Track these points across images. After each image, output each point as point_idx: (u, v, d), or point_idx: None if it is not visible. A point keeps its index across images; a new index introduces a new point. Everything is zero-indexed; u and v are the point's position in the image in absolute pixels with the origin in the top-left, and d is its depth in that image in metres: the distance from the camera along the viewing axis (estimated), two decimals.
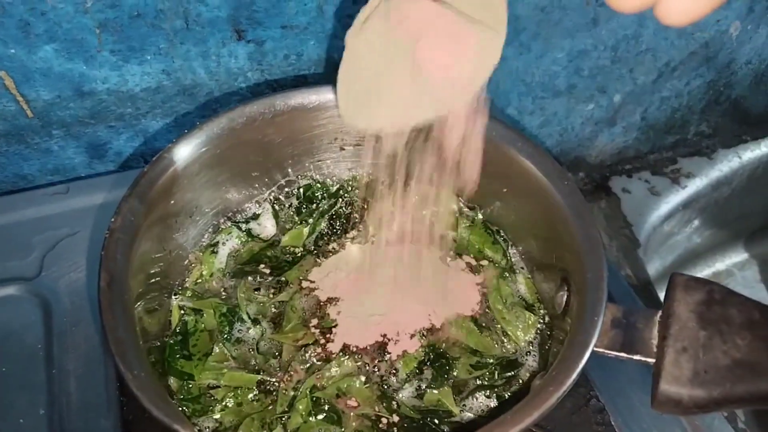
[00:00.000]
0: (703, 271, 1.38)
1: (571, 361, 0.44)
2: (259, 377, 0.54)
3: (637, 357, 0.46)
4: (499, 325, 0.59)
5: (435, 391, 0.55)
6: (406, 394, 0.55)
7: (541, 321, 0.59)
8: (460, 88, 0.46)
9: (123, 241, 0.48)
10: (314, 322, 0.59)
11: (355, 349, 0.57)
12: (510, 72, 0.98)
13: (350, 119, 0.51)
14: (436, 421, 0.53)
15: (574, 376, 0.43)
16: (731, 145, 1.24)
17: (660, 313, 0.47)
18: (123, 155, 0.89)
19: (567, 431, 0.59)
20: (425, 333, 0.58)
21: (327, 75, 0.87)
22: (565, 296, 0.53)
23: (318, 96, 0.61)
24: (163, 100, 0.85)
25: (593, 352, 0.45)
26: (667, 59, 1.09)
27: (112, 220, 0.49)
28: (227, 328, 0.57)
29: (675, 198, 1.19)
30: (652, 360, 0.45)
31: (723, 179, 1.24)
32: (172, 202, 0.55)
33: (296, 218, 0.65)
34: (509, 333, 0.58)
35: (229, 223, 0.65)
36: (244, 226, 0.64)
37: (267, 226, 0.65)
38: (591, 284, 0.48)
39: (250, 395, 0.53)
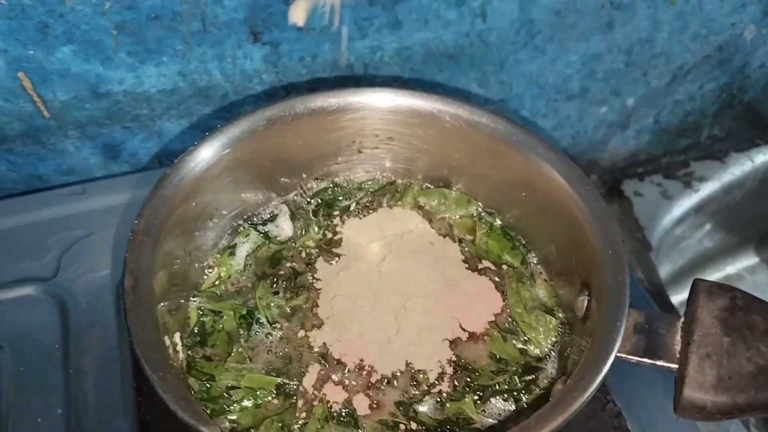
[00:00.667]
0: (714, 275, 1.37)
1: (594, 366, 0.44)
2: (278, 380, 0.54)
3: (660, 363, 0.46)
4: (520, 330, 0.59)
5: (457, 403, 0.55)
6: (426, 406, 0.55)
7: (561, 325, 0.59)
8: None
9: (146, 243, 0.48)
10: (330, 328, 0.59)
11: (369, 369, 0.57)
12: (524, 75, 0.98)
13: None
14: (456, 429, 0.53)
15: (598, 381, 0.43)
16: (744, 149, 1.24)
17: (682, 319, 0.47)
18: (138, 156, 0.89)
19: None
20: (450, 344, 0.58)
21: (341, 78, 0.87)
22: (586, 301, 0.53)
23: (337, 99, 0.61)
24: (179, 101, 0.85)
25: (616, 358, 0.45)
26: (680, 62, 1.08)
27: (136, 222, 0.49)
28: (246, 331, 0.57)
29: (687, 201, 1.19)
30: (675, 366, 0.45)
31: (735, 183, 1.24)
32: (193, 204, 0.56)
33: (313, 220, 0.65)
34: (531, 338, 0.58)
35: (247, 226, 0.65)
36: (261, 228, 0.64)
37: (284, 228, 0.65)
38: (613, 289, 0.48)
39: (269, 397, 0.53)
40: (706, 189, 1.21)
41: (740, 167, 1.24)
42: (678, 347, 0.46)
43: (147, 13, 0.74)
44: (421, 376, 0.56)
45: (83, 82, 0.78)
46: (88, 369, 0.66)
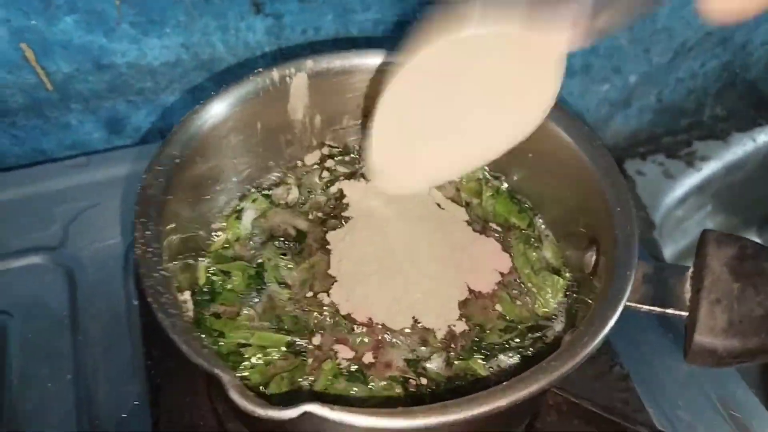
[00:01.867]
0: None
1: (604, 314, 0.44)
2: (288, 338, 0.54)
3: (670, 311, 0.46)
4: (527, 290, 0.59)
5: (465, 361, 0.55)
6: (435, 364, 0.55)
7: (569, 285, 0.59)
8: (498, 143, 0.46)
9: (155, 198, 0.48)
10: (338, 289, 0.59)
11: (379, 326, 0.57)
12: None
13: (384, 183, 0.52)
14: (464, 383, 0.53)
15: (608, 327, 0.43)
16: (746, 129, 1.24)
17: (692, 268, 0.47)
18: (141, 130, 0.89)
19: (590, 396, 0.59)
20: (458, 303, 0.58)
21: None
22: (594, 257, 0.53)
23: (342, 61, 0.61)
24: (182, 74, 0.85)
25: (626, 307, 0.45)
26: (683, 39, 1.08)
27: (144, 176, 0.49)
28: (254, 291, 0.57)
29: (689, 181, 1.19)
30: (685, 313, 0.45)
31: (737, 162, 1.24)
32: (201, 162, 0.56)
33: (319, 183, 0.65)
34: (539, 297, 0.58)
35: (254, 190, 0.65)
36: (268, 193, 0.65)
37: (291, 192, 0.65)
38: (621, 241, 0.48)
39: (279, 355, 0.53)
40: (708, 168, 1.21)
41: (742, 147, 1.24)
42: (688, 295, 0.46)
43: None
44: (429, 335, 0.56)
45: (86, 53, 0.78)
46: (96, 335, 0.66)
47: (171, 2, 0.77)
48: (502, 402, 0.39)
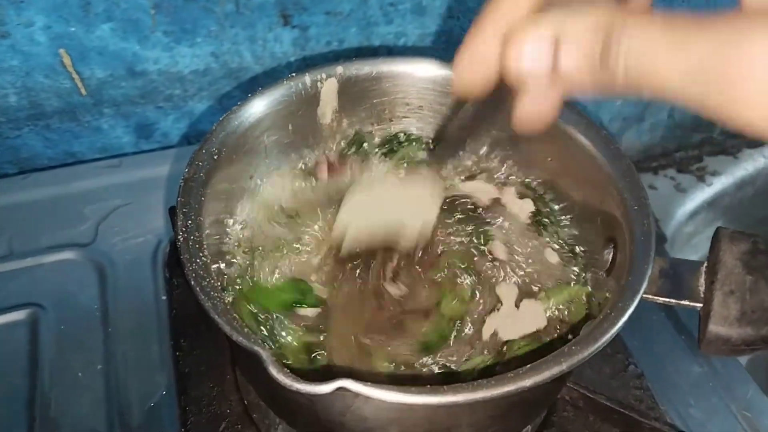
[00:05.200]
0: None
1: (622, 305, 0.46)
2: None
3: (685, 302, 0.48)
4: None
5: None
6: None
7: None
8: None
9: (196, 191, 0.51)
10: None
11: None
12: None
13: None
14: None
15: (626, 317, 0.45)
16: (756, 145, 1.26)
17: (705, 263, 0.49)
18: (169, 136, 0.92)
19: (607, 392, 0.61)
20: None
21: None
22: (611, 254, 0.55)
23: (371, 68, 0.64)
24: (210, 82, 0.88)
25: (642, 299, 0.47)
26: None
27: (186, 170, 0.52)
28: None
29: (700, 195, 1.21)
30: (699, 305, 0.47)
31: (748, 178, 1.26)
32: (237, 159, 0.58)
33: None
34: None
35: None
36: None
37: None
38: (639, 237, 0.50)
39: None
40: (719, 183, 1.23)
41: (753, 163, 1.26)
42: (702, 288, 0.48)
43: None
44: None
45: (120, 60, 0.81)
46: (126, 328, 0.68)
47: (203, 12, 0.80)
48: (526, 382, 0.41)
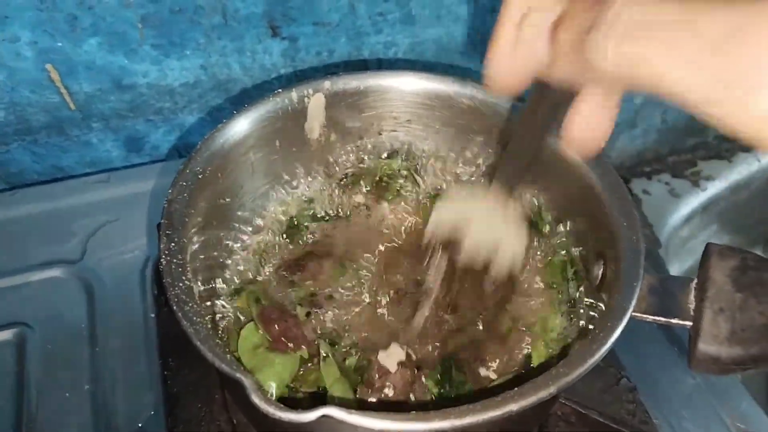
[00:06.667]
0: None
1: (611, 324, 0.45)
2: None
3: (674, 321, 0.47)
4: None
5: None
6: None
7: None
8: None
9: (180, 212, 0.50)
10: None
11: None
12: None
13: None
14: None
15: (615, 336, 0.44)
16: (750, 149, 1.25)
17: (695, 280, 0.49)
18: (159, 149, 0.91)
19: (600, 407, 0.60)
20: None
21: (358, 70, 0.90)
22: (601, 269, 0.54)
23: (358, 82, 0.63)
24: (200, 94, 0.87)
25: (632, 317, 0.46)
26: None
27: (170, 190, 0.51)
28: None
29: (694, 200, 1.20)
30: (689, 323, 0.47)
31: (742, 182, 1.25)
32: (223, 178, 0.58)
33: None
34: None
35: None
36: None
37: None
38: (628, 254, 0.50)
39: None
40: (714, 188, 1.22)
41: (747, 167, 1.26)
42: (692, 306, 0.47)
43: (170, 6, 0.77)
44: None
45: (108, 74, 0.81)
46: (114, 347, 0.68)
47: (191, 25, 0.79)
48: (513, 406, 0.41)
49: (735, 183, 1.24)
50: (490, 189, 0.52)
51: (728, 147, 1.26)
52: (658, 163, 1.24)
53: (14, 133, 0.82)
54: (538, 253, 0.63)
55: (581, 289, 0.58)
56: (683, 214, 1.20)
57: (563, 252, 0.61)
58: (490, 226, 0.55)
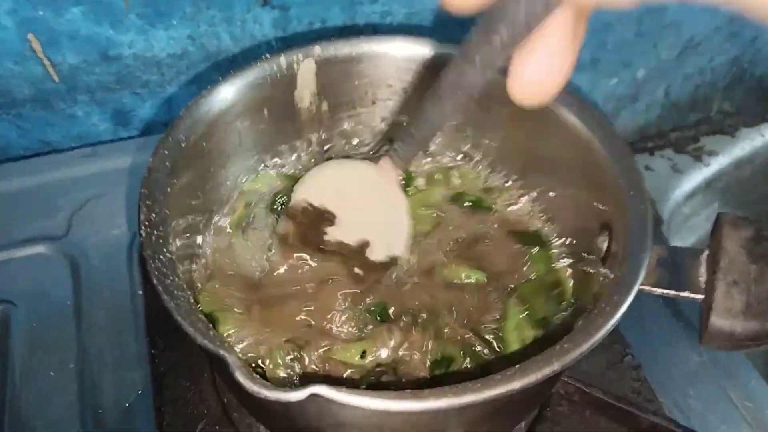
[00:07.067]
0: None
1: (617, 297, 0.43)
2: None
3: (685, 294, 0.45)
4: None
5: None
6: None
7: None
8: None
9: (160, 180, 0.48)
10: None
11: None
12: None
13: None
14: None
15: (622, 311, 0.42)
16: (754, 124, 1.23)
17: (707, 251, 0.46)
18: (147, 122, 0.88)
19: (604, 385, 0.58)
20: None
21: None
22: (606, 242, 0.52)
23: (351, 48, 0.61)
24: (188, 66, 0.84)
25: (640, 291, 0.44)
26: (691, 34, 1.07)
27: (150, 159, 0.49)
28: None
29: (698, 176, 1.18)
30: (700, 296, 0.44)
31: (745, 158, 1.23)
32: (207, 147, 0.55)
33: None
34: None
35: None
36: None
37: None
38: (635, 224, 0.47)
39: None
40: (717, 163, 1.20)
41: (750, 142, 1.23)
42: (703, 278, 0.45)
43: None
44: None
45: (93, 44, 0.78)
46: (100, 324, 0.66)
47: None
48: (515, 384, 0.38)
49: (738, 159, 1.22)
50: (381, 160, 0.50)
51: (731, 122, 1.24)
52: (661, 139, 1.22)
53: None
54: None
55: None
56: (686, 190, 1.18)
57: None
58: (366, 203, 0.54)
